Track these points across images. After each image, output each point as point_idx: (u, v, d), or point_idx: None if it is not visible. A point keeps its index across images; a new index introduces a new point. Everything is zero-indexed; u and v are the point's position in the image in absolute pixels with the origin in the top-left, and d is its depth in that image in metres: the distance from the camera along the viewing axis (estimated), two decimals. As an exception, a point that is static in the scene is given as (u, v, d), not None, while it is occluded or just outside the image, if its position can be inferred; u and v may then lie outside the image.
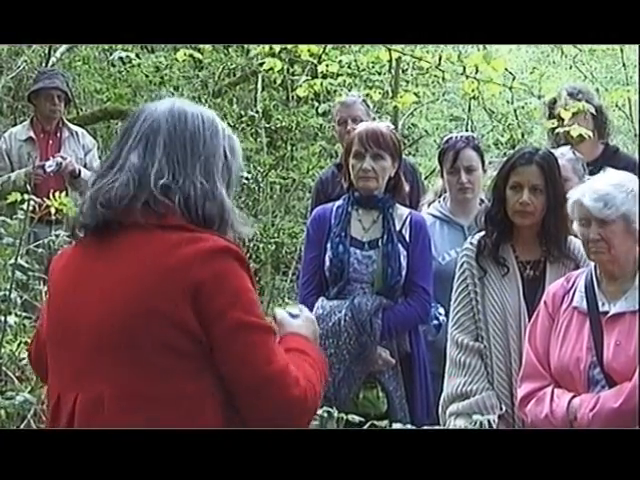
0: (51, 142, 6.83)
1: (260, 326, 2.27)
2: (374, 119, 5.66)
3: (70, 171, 6.57)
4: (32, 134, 6.80)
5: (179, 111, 2.37)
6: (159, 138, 2.32)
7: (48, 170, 6.47)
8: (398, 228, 4.31)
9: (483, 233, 3.98)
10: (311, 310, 4.27)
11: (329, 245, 4.30)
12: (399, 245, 4.27)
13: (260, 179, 9.39)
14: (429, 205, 4.97)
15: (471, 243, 4.00)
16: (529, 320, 3.70)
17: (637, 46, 8.83)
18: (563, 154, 4.58)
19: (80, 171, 6.58)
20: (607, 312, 3.43)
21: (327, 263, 4.29)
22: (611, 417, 3.28)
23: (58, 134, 6.85)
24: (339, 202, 4.41)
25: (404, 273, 4.25)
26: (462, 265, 3.97)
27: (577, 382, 3.41)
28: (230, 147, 2.41)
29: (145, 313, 2.23)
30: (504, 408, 3.77)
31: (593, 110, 5.22)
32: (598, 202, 3.38)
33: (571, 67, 10.52)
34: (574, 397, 3.38)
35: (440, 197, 4.93)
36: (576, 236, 3.98)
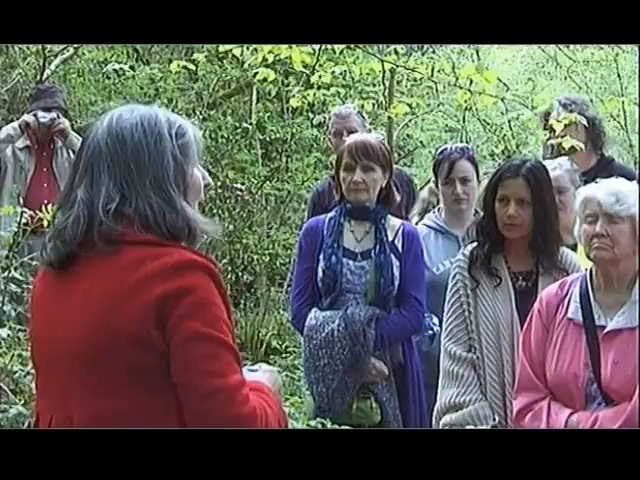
0: (45, 153, 6.91)
1: (218, 340, 2.19)
2: (369, 130, 5.66)
3: (60, 130, 6.84)
4: (29, 143, 6.91)
5: (117, 129, 2.29)
6: (102, 164, 2.26)
7: (42, 120, 6.79)
8: (391, 239, 4.31)
9: (475, 244, 3.97)
10: (304, 321, 4.27)
11: (322, 256, 4.30)
12: (392, 255, 4.26)
13: (255, 191, 9.37)
14: (419, 216, 4.98)
15: (463, 254, 3.99)
16: (522, 331, 3.68)
17: (631, 56, 8.86)
18: (561, 164, 4.58)
19: (69, 133, 6.84)
20: (603, 326, 3.40)
21: (320, 274, 4.28)
22: None
23: (51, 145, 6.93)
24: (331, 214, 4.41)
25: (397, 283, 4.25)
26: (455, 276, 3.96)
27: (575, 398, 3.39)
28: (181, 144, 2.31)
29: (109, 333, 2.20)
30: (497, 419, 3.77)
31: (585, 122, 5.22)
32: (611, 197, 3.39)
33: (566, 78, 10.52)
34: (572, 414, 3.37)
35: (426, 208, 4.94)
36: (569, 247, 3.99)
